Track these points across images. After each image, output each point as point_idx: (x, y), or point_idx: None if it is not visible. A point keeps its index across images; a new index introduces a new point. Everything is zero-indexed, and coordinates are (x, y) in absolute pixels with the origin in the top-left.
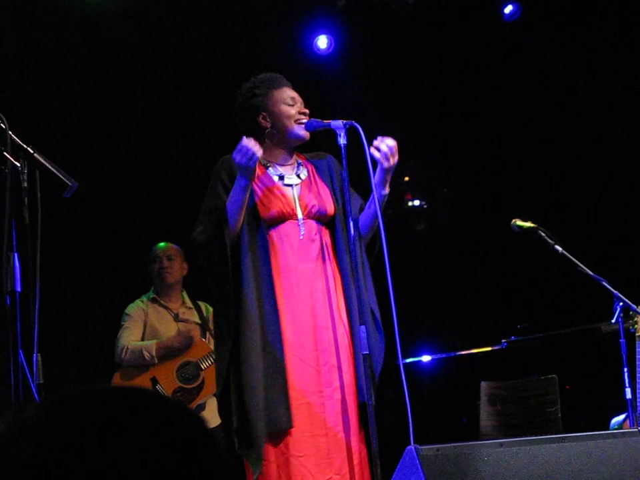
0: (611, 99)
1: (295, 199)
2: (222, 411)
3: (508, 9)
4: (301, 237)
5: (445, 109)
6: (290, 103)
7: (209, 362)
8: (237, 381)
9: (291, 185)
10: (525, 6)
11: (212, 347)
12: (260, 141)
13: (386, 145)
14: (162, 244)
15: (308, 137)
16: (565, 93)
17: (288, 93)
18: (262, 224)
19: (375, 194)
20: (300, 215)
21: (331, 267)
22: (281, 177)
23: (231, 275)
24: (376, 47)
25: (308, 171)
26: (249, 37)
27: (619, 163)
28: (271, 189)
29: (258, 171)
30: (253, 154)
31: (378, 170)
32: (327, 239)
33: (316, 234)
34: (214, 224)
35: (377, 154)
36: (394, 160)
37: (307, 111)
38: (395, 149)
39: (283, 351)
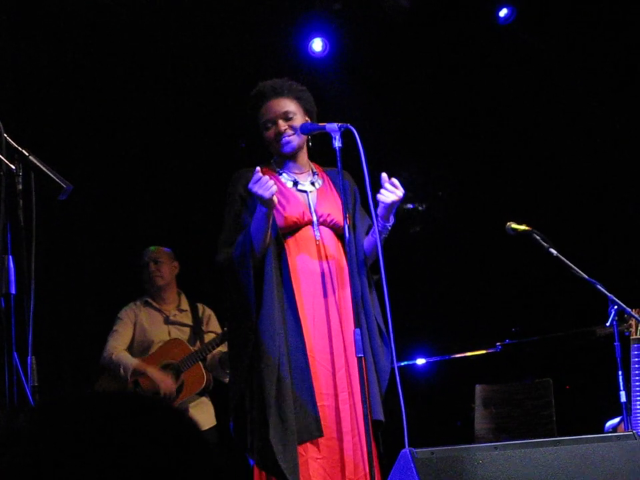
0: (606, 101)
1: (309, 205)
2: (238, 427)
3: (503, 12)
4: (317, 242)
5: (440, 112)
6: (267, 127)
7: (189, 364)
8: (258, 396)
9: (305, 192)
10: (519, 9)
11: (193, 348)
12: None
13: (390, 183)
14: (151, 248)
15: (295, 147)
16: (560, 95)
17: (265, 115)
18: (278, 231)
19: (373, 212)
20: (315, 220)
21: (344, 272)
22: (295, 183)
23: (255, 296)
24: (371, 49)
25: (323, 181)
26: (244, 39)
27: (614, 166)
28: (284, 195)
29: (272, 178)
30: (271, 186)
31: (382, 207)
32: (340, 247)
33: (330, 240)
34: (238, 247)
35: (384, 197)
36: (400, 192)
37: (281, 129)
38: (398, 184)
39: (307, 361)
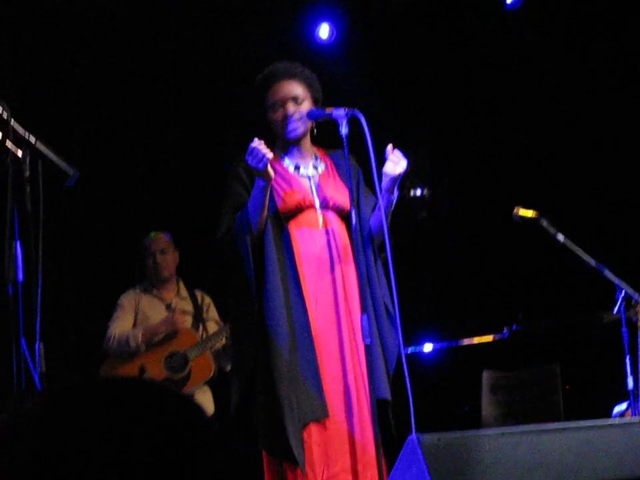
0: (612, 87)
1: (312, 189)
2: (243, 408)
3: None
4: (320, 227)
5: (447, 98)
6: (275, 108)
7: (197, 352)
8: (265, 377)
9: (307, 176)
10: None
11: (200, 337)
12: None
13: (395, 155)
14: (152, 234)
15: (299, 134)
16: (566, 81)
17: (274, 96)
18: (281, 215)
19: (380, 194)
20: (317, 204)
21: (348, 257)
22: (297, 167)
23: (254, 272)
24: (378, 35)
25: (326, 165)
26: (250, 26)
27: (622, 152)
28: (286, 179)
29: (273, 161)
30: (263, 156)
31: (388, 179)
32: (344, 231)
33: (333, 224)
34: (236, 223)
35: (389, 168)
36: (404, 163)
37: (289, 112)
38: (401, 156)
39: (312, 342)
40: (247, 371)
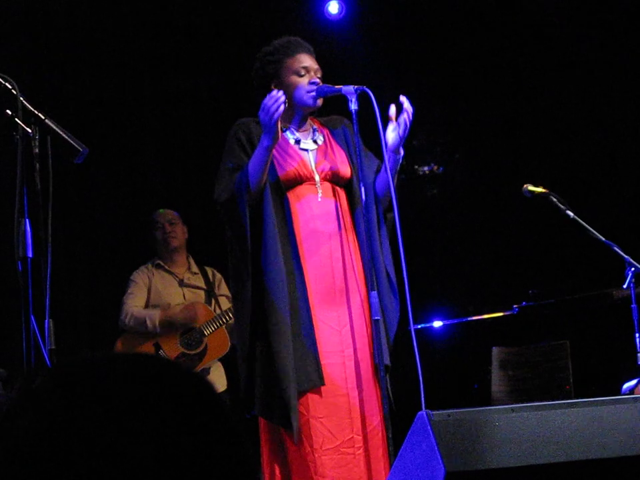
0: (626, 59)
1: (311, 163)
2: (243, 373)
3: None
4: (319, 199)
5: (458, 74)
6: (301, 73)
7: (213, 327)
8: (264, 345)
9: (307, 150)
10: None
11: (215, 312)
12: None
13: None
14: (161, 210)
15: (318, 105)
16: (580, 54)
17: (301, 62)
18: (281, 185)
19: (387, 157)
20: (317, 178)
21: (348, 229)
22: (297, 141)
23: (251, 235)
24: (387, 11)
25: (324, 136)
26: (260, 2)
27: (632, 129)
28: (287, 151)
29: None
30: (275, 112)
31: (394, 136)
32: (343, 201)
33: (333, 196)
34: (235, 183)
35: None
36: (410, 110)
37: (317, 80)
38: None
39: (310, 312)
40: (245, 338)
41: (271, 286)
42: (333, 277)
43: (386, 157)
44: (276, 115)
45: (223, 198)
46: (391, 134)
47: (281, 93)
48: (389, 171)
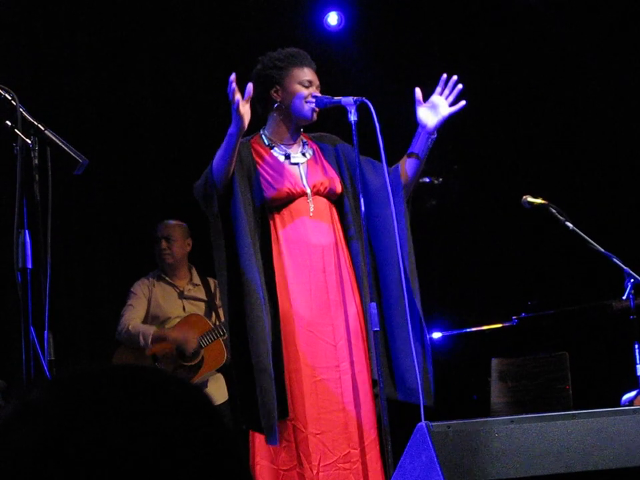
0: (626, 71)
1: (302, 177)
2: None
3: None
4: (311, 214)
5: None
6: (305, 85)
7: (209, 339)
8: (245, 360)
9: (297, 164)
10: None
11: (212, 324)
12: (266, 111)
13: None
14: (164, 222)
15: (314, 119)
16: (580, 64)
17: (307, 75)
18: (265, 205)
19: (386, 170)
20: (309, 191)
21: (341, 243)
22: (287, 156)
23: (224, 229)
24: (386, 22)
25: (313, 150)
26: (259, 13)
27: (631, 139)
28: (277, 169)
29: (262, 152)
30: (232, 97)
31: (433, 116)
32: (335, 216)
33: (325, 210)
34: (202, 178)
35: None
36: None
37: (318, 95)
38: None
39: (269, 344)
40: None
41: (247, 308)
42: (327, 291)
43: (385, 169)
44: (236, 99)
45: (195, 193)
46: (428, 113)
47: (233, 75)
48: (389, 187)
